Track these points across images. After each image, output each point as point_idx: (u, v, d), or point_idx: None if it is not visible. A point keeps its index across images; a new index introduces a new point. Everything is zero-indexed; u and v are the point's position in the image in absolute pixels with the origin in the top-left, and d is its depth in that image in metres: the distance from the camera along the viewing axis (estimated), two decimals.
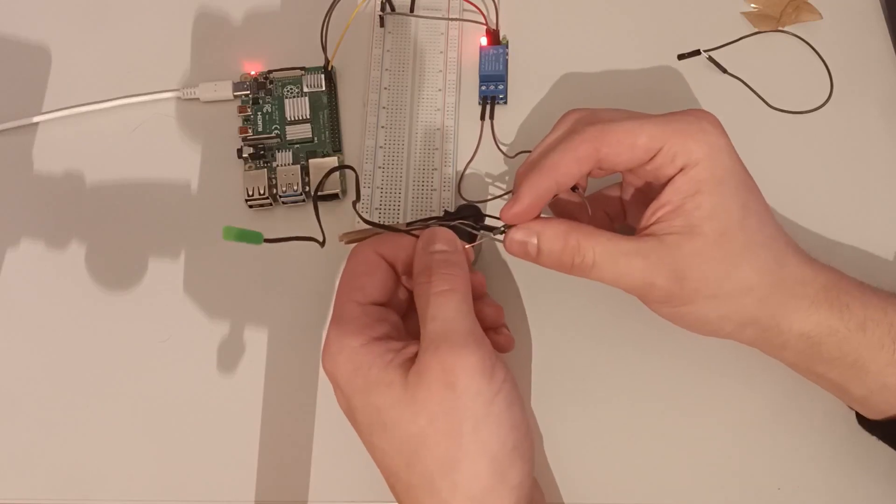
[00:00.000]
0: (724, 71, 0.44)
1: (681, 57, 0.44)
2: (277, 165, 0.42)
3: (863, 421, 0.35)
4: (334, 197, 0.41)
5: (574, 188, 0.35)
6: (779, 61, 0.44)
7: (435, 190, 0.41)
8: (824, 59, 0.44)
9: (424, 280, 0.33)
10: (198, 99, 0.44)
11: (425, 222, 0.36)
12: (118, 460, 0.38)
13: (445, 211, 0.40)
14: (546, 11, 0.46)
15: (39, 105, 0.45)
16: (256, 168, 0.42)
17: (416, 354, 0.31)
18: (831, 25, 0.44)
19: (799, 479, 0.36)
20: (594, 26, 0.45)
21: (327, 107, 0.43)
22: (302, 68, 0.44)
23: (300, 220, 0.42)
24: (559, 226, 0.33)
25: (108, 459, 0.38)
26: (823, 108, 0.43)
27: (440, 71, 0.44)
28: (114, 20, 0.47)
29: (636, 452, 0.37)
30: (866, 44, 0.44)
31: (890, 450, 0.35)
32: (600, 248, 0.32)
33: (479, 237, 0.36)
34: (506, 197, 0.41)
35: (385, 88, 0.44)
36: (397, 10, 0.45)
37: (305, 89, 0.43)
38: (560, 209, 0.37)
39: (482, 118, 0.43)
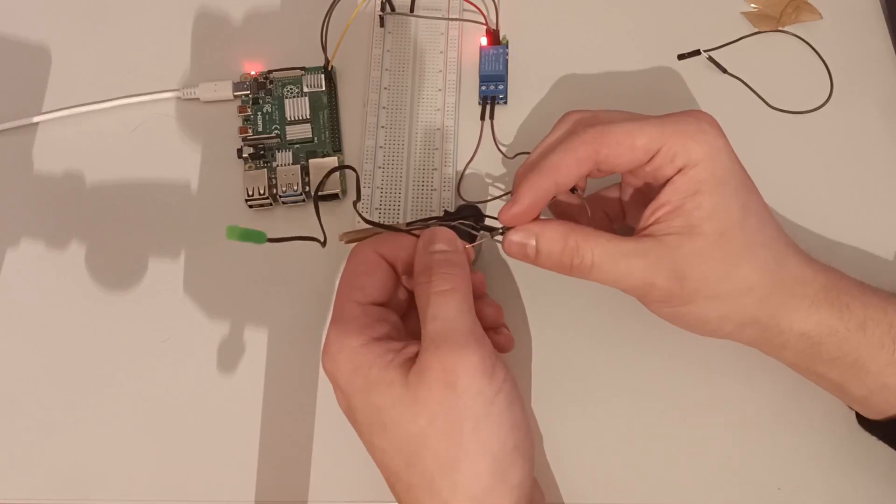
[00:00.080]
0: (724, 71, 0.44)
1: (681, 57, 0.44)
2: (277, 165, 0.42)
3: (863, 421, 0.35)
4: (334, 197, 0.41)
5: (573, 189, 0.35)
6: (779, 61, 0.44)
7: (435, 190, 0.41)
8: (824, 59, 0.44)
9: (425, 280, 0.33)
10: (198, 99, 0.44)
11: (425, 222, 0.36)
12: (118, 460, 0.38)
13: (445, 211, 0.40)
14: (546, 11, 0.46)
15: (39, 105, 0.45)
16: (256, 168, 0.42)
17: (416, 354, 0.31)
18: (831, 25, 0.44)
19: (799, 479, 0.36)
20: (594, 26, 0.45)
21: (327, 107, 0.43)
22: (302, 68, 0.44)
23: (300, 219, 0.42)
24: (558, 227, 0.33)
25: (108, 459, 0.38)
26: (823, 108, 0.43)
27: (440, 71, 0.44)
28: (114, 20, 0.47)
29: (636, 452, 0.37)
30: (866, 44, 0.44)
31: (890, 450, 0.35)
32: (599, 248, 0.32)
33: (478, 237, 0.36)
34: (505, 197, 0.41)
35: (385, 88, 0.44)
36: (397, 10, 0.45)
37: (305, 89, 0.43)
38: (559, 210, 0.37)
39: (482, 118, 0.43)
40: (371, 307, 0.34)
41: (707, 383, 0.38)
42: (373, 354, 0.31)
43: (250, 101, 0.43)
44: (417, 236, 0.35)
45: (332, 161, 0.42)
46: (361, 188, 0.41)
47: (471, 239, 0.36)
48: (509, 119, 0.43)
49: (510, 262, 0.40)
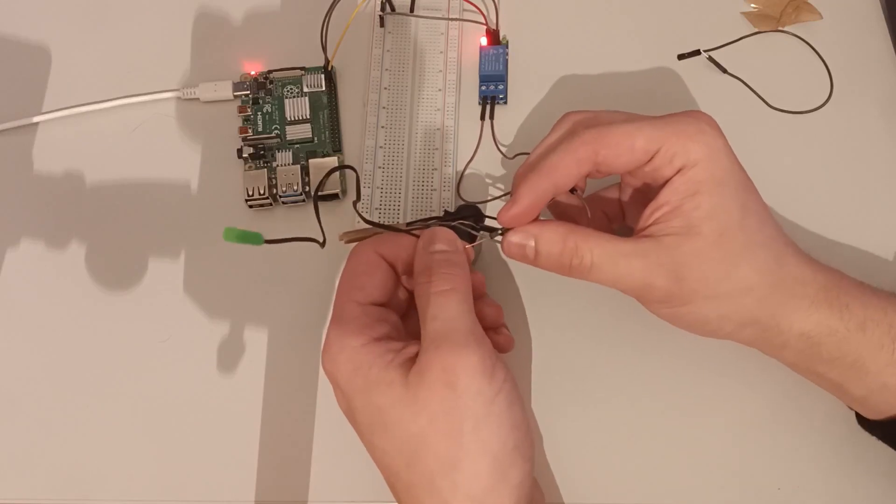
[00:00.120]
0: (724, 71, 0.44)
1: (681, 57, 0.44)
2: (277, 165, 0.42)
3: (862, 421, 0.35)
4: (334, 197, 0.41)
5: (573, 190, 0.35)
6: (779, 61, 0.44)
7: (435, 190, 0.41)
8: (824, 59, 0.44)
9: (425, 280, 0.33)
10: (198, 99, 0.44)
11: (425, 222, 0.36)
12: (118, 460, 0.38)
13: (445, 211, 0.40)
14: (546, 11, 0.46)
15: (39, 105, 0.45)
16: (256, 168, 0.42)
17: (416, 354, 0.31)
18: (831, 25, 0.44)
19: (799, 479, 0.36)
20: (594, 26, 0.45)
21: (327, 107, 0.43)
22: (302, 68, 0.44)
23: (300, 220, 0.42)
24: (557, 228, 0.33)
25: (108, 459, 0.38)
26: (823, 108, 0.43)
27: (440, 71, 0.44)
28: (114, 20, 0.47)
29: (636, 452, 0.37)
30: (866, 44, 0.44)
31: (890, 450, 0.35)
32: (599, 249, 0.32)
33: (478, 237, 0.36)
34: (505, 198, 0.41)
35: (385, 88, 0.44)
36: (397, 10, 0.45)
37: (305, 89, 0.43)
38: (559, 210, 0.37)
39: (482, 118, 0.43)
40: (371, 307, 0.34)
41: (707, 383, 0.38)
42: (373, 354, 0.31)
43: (250, 101, 0.43)
44: (418, 236, 0.35)
45: (332, 161, 0.42)
46: (361, 188, 0.41)
47: (471, 239, 0.36)
48: (509, 119, 0.43)
49: (510, 262, 0.40)
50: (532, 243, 0.33)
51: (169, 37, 0.46)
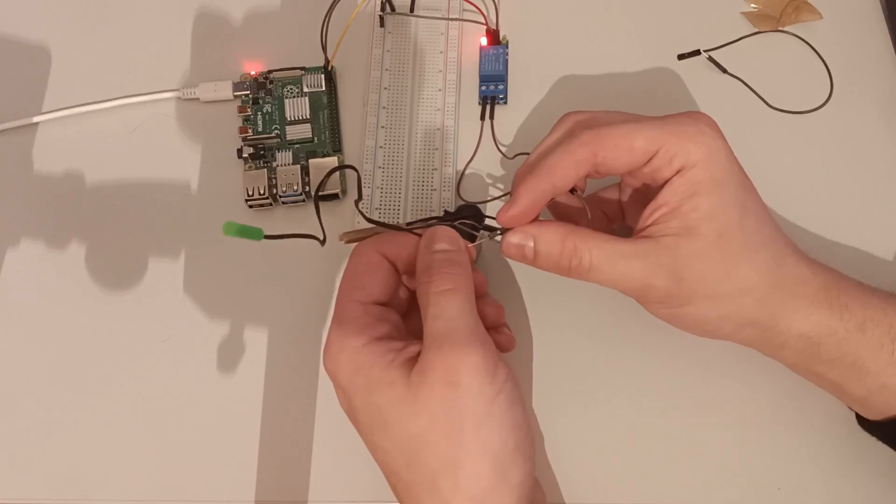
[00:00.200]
0: (724, 71, 0.44)
1: (681, 57, 0.44)
2: (277, 165, 0.42)
3: (863, 422, 0.35)
4: (334, 197, 0.42)
5: (573, 190, 0.35)
6: (779, 61, 0.44)
7: (435, 190, 0.41)
8: (824, 59, 0.44)
9: (427, 279, 0.33)
10: (198, 99, 0.44)
11: (425, 222, 0.36)
12: (118, 460, 0.38)
13: (446, 211, 0.40)
14: (546, 11, 0.46)
15: (39, 105, 0.45)
16: (256, 168, 0.42)
17: (417, 354, 0.31)
18: (831, 25, 0.44)
19: (799, 479, 0.36)
20: (594, 26, 0.45)
21: (327, 107, 0.43)
22: (302, 68, 0.44)
23: (300, 219, 0.42)
24: (556, 229, 0.33)
25: (108, 459, 0.38)
26: (823, 108, 0.43)
27: (440, 71, 0.44)
28: (114, 20, 0.47)
29: (636, 452, 0.37)
30: (866, 44, 0.44)
31: (890, 450, 0.35)
32: (597, 250, 0.32)
33: (479, 237, 0.36)
34: (505, 198, 0.41)
35: (385, 88, 0.44)
36: (397, 10, 0.45)
37: (305, 89, 0.43)
38: (559, 211, 0.37)
39: (482, 118, 0.43)
40: (372, 307, 0.34)
41: (707, 383, 0.38)
42: (374, 354, 0.31)
43: (250, 101, 0.43)
44: (419, 235, 0.35)
45: (332, 161, 0.42)
46: (362, 188, 0.41)
47: (471, 239, 0.36)
48: (509, 119, 0.43)
49: (511, 262, 0.40)
50: (531, 244, 0.33)
51: (169, 37, 0.46)
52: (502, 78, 0.43)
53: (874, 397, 0.33)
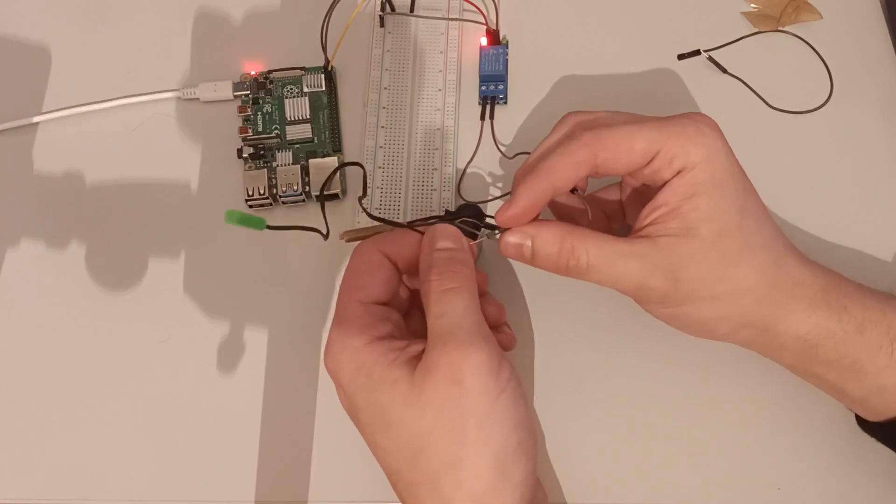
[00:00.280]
0: (724, 71, 0.44)
1: (681, 57, 0.44)
2: (277, 165, 0.42)
3: (862, 423, 0.35)
4: (335, 197, 0.42)
5: (573, 190, 0.35)
6: (779, 61, 0.44)
7: (435, 190, 0.41)
8: (824, 59, 0.44)
9: (431, 278, 0.33)
10: (198, 99, 0.44)
11: (426, 221, 0.36)
12: (118, 460, 0.38)
13: (446, 210, 0.40)
14: (546, 11, 0.46)
15: (39, 105, 0.45)
16: (256, 168, 0.42)
17: (420, 353, 0.31)
18: (831, 25, 0.44)
19: (799, 479, 0.36)
20: (594, 26, 0.45)
21: (327, 107, 0.43)
22: (302, 68, 0.44)
23: (300, 219, 0.42)
24: (554, 229, 0.33)
25: (108, 459, 0.38)
26: (823, 108, 0.43)
27: (440, 71, 0.44)
28: (114, 20, 0.47)
29: (636, 452, 0.37)
30: (866, 44, 0.44)
31: (890, 450, 0.35)
32: (595, 250, 0.32)
33: (480, 235, 0.36)
34: (505, 197, 0.41)
35: (385, 88, 0.44)
36: (397, 10, 0.45)
37: (305, 89, 0.43)
38: (559, 210, 0.37)
39: (482, 118, 0.43)
40: (373, 306, 0.34)
41: (707, 384, 0.38)
42: (376, 353, 0.31)
43: (250, 101, 0.43)
44: (421, 233, 0.35)
45: (332, 161, 0.42)
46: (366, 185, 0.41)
47: (472, 237, 0.36)
48: (509, 119, 0.43)
49: (512, 261, 0.40)
50: (529, 243, 0.33)
51: (169, 37, 0.46)
52: (502, 78, 0.43)
53: (873, 398, 0.33)
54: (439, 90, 0.43)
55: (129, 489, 0.38)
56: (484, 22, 0.45)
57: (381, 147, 0.42)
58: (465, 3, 0.45)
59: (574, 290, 0.39)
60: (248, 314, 0.40)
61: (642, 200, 0.34)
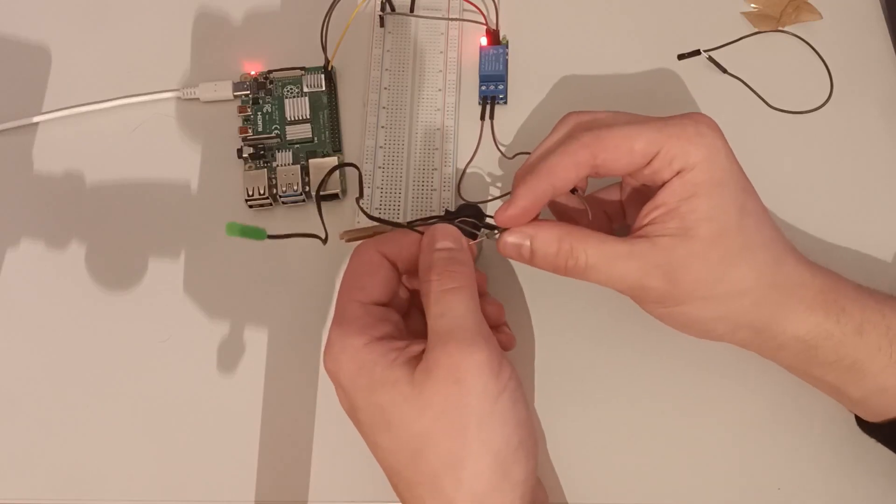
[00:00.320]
0: (724, 71, 0.44)
1: (681, 57, 0.44)
2: (277, 165, 0.42)
3: (862, 424, 0.35)
4: (334, 197, 0.42)
5: (573, 190, 0.35)
6: (779, 61, 0.44)
7: (435, 190, 0.41)
8: (824, 59, 0.44)
9: (431, 278, 0.33)
10: (198, 99, 0.44)
11: (426, 221, 0.36)
12: (118, 460, 0.38)
13: (446, 210, 0.40)
14: (546, 11, 0.46)
15: (39, 105, 0.45)
16: (256, 168, 0.42)
17: (420, 353, 0.31)
18: (831, 25, 0.44)
19: (799, 479, 0.36)
20: (594, 26, 0.45)
21: (327, 107, 0.43)
22: (302, 68, 0.44)
23: (300, 219, 0.42)
24: (552, 229, 0.33)
25: (108, 459, 0.38)
26: (823, 108, 0.43)
27: (440, 71, 0.44)
28: (114, 20, 0.47)
29: (636, 452, 0.37)
30: (866, 44, 0.44)
31: (890, 451, 0.35)
32: (593, 250, 0.32)
33: (480, 235, 0.36)
34: (505, 197, 0.41)
35: (385, 88, 0.44)
36: (397, 10, 0.45)
37: (305, 89, 0.43)
38: (559, 210, 0.37)
39: (482, 118, 0.43)
40: (373, 307, 0.34)
41: (708, 384, 0.38)
42: (376, 354, 0.31)
43: (250, 101, 0.43)
44: (420, 233, 0.35)
45: (332, 161, 0.42)
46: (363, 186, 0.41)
47: (472, 237, 0.36)
48: (509, 119, 0.43)
49: (512, 261, 0.40)
50: (527, 243, 0.33)
51: (169, 37, 0.46)
52: (502, 78, 0.43)
53: (872, 399, 0.33)
54: (439, 90, 0.43)
55: (129, 489, 0.38)
56: (484, 22, 0.45)
57: (381, 147, 0.42)
58: (465, 3, 0.45)
59: (574, 290, 0.39)
60: (248, 314, 0.40)
61: (643, 200, 0.34)
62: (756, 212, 0.33)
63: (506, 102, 0.44)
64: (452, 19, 0.45)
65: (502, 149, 0.42)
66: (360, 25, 0.45)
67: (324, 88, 0.43)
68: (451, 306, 0.32)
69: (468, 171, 0.42)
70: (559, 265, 0.33)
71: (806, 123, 0.42)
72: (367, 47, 0.45)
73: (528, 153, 0.35)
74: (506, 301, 0.37)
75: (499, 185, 0.42)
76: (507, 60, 0.44)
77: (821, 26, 0.44)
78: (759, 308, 0.32)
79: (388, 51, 0.44)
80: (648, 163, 0.32)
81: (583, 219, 0.36)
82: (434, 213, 0.40)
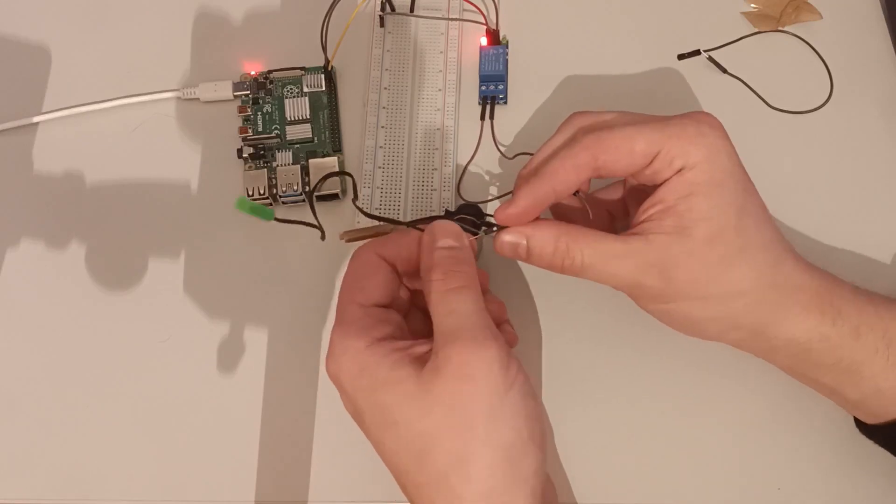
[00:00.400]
0: (724, 71, 0.44)
1: (681, 57, 0.44)
2: (277, 165, 0.42)
3: (861, 426, 0.35)
4: (334, 197, 0.42)
5: (575, 192, 0.35)
6: (779, 61, 0.44)
7: (435, 190, 0.41)
8: (824, 59, 0.44)
9: (435, 277, 0.32)
10: (198, 99, 0.44)
11: (426, 222, 0.36)
12: (118, 460, 0.38)
13: (447, 210, 0.40)
14: (546, 11, 0.46)
15: (39, 105, 0.45)
16: (256, 168, 0.42)
17: (423, 353, 0.31)
18: (831, 25, 0.44)
19: (799, 479, 0.36)
20: (594, 26, 0.45)
21: (327, 107, 0.43)
22: (302, 68, 0.44)
23: (300, 219, 0.42)
24: (549, 228, 0.33)
25: (108, 459, 0.38)
26: (823, 108, 0.43)
27: (440, 71, 0.44)
28: (114, 20, 0.47)
29: (636, 452, 0.37)
30: (866, 44, 0.44)
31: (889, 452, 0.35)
32: (589, 250, 0.32)
33: (480, 232, 0.36)
34: (505, 198, 0.41)
35: (385, 88, 0.44)
36: (397, 10, 0.45)
37: (305, 89, 0.43)
38: (560, 209, 0.37)
39: (482, 118, 0.43)
40: (373, 308, 0.34)
41: (708, 384, 0.38)
42: (378, 354, 0.31)
43: (250, 101, 0.43)
44: (421, 230, 0.35)
45: (332, 161, 0.42)
46: (361, 189, 0.41)
47: (471, 234, 0.36)
48: (509, 119, 0.43)
49: (514, 260, 0.40)
50: (524, 242, 0.34)
51: (169, 37, 0.46)
52: (502, 78, 0.43)
53: (870, 401, 0.33)
54: (439, 90, 0.43)
55: (129, 489, 0.38)
56: (484, 22, 0.45)
57: (381, 147, 0.42)
58: (465, 3, 0.45)
59: (573, 290, 0.39)
60: (248, 314, 0.40)
61: (644, 198, 0.34)
62: (756, 213, 0.33)
63: (506, 102, 0.44)
64: (452, 19, 0.45)
65: (502, 149, 0.42)
66: (360, 25, 0.45)
67: (324, 88, 0.43)
68: (457, 305, 0.32)
69: (468, 171, 0.42)
70: (555, 264, 0.33)
71: (806, 123, 0.42)
72: (367, 47, 0.45)
73: (529, 153, 0.35)
74: (506, 299, 0.37)
75: (499, 185, 0.42)
76: (507, 60, 0.44)
77: (821, 26, 0.44)
78: (755, 310, 0.32)
79: (388, 51, 0.44)
80: (650, 163, 0.32)
81: (583, 217, 0.36)
82: (434, 214, 0.40)
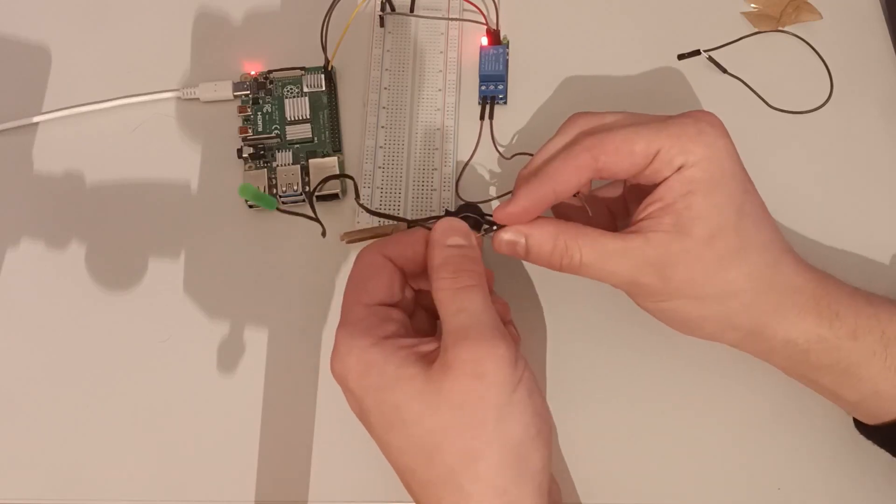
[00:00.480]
0: (724, 71, 0.44)
1: (681, 57, 0.44)
2: (277, 165, 0.42)
3: (860, 426, 0.35)
4: (334, 197, 0.42)
5: (575, 194, 0.35)
6: (779, 61, 0.44)
7: (435, 190, 0.41)
8: (824, 59, 0.44)
9: (446, 275, 0.32)
10: (198, 99, 0.44)
11: (426, 222, 0.36)
12: (118, 460, 0.38)
13: (447, 210, 0.40)
14: (546, 11, 0.46)
15: (39, 105, 0.45)
16: (256, 168, 0.42)
17: (431, 351, 0.31)
18: (831, 25, 0.44)
19: (799, 479, 0.36)
20: (594, 26, 0.45)
21: (327, 107, 0.43)
22: (302, 68, 0.44)
23: (300, 219, 0.42)
24: (547, 227, 0.33)
25: (108, 459, 0.38)
26: (823, 108, 0.43)
27: (440, 71, 0.44)
28: (114, 20, 0.47)
29: (636, 452, 0.37)
30: (866, 44, 0.44)
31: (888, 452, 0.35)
32: (588, 248, 0.32)
33: (483, 230, 0.36)
34: (504, 198, 0.41)
35: (385, 88, 0.44)
36: (397, 10, 0.45)
37: (305, 89, 0.43)
38: (560, 208, 0.37)
39: (482, 118, 0.43)
40: (378, 308, 0.33)
41: (708, 384, 0.38)
42: (385, 353, 0.31)
43: (250, 101, 0.43)
44: (429, 228, 0.35)
45: (332, 161, 0.42)
46: (362, 188, 0.41)
47: (476, 230, 0.36)
48: (509, 119, 0.43)
49: (515, 259, 0.40)
50: (522, 241, 0.34)
51: (169, 37, 0.46)
52: (502, 78, 0.43)
53: (868, 403, 0.33)
54: (439, 90, 0.43)
55: (129, 489, 0.38)
56: (484, 22, 0.45)
57: (381, 147, 0.42)
58: (465, 3, 0.45)
59: (576, 290, 0.39)
60: (248, 314, 0.40)
61: (644, 196, 0.34)
62: (755, 213, 0.33)
63: (506, 102, 0.44)
64: (452, 19, 0.45)
65: (501, 149, 0.42)
66: (360, 25, 0.45)
67: (324, 88, 0.43)
68: (467, 303, 0.32)
69: (468, 171, 0.42)
70: (554, 262, 0.33)
71: (806, 123, 0.42)
72: (367, 47, 0.45)
73: (527, 153, 0.35)
74: (509, 299, 0.37)
75: (498, 185, 0.42)
76: (507, 60, 0.44)
77: (821, 26, 0.44)
78: (751, 311, 0.32)
79: (388, 51, 0.44)
80: (650, 162, 0.32)
81: (584, 215, 0.36)
82: (434, 214, 0.40)
